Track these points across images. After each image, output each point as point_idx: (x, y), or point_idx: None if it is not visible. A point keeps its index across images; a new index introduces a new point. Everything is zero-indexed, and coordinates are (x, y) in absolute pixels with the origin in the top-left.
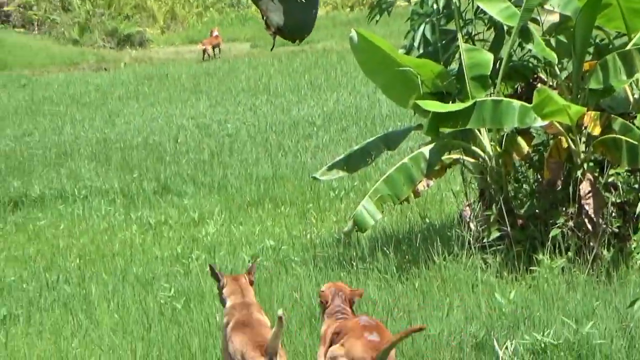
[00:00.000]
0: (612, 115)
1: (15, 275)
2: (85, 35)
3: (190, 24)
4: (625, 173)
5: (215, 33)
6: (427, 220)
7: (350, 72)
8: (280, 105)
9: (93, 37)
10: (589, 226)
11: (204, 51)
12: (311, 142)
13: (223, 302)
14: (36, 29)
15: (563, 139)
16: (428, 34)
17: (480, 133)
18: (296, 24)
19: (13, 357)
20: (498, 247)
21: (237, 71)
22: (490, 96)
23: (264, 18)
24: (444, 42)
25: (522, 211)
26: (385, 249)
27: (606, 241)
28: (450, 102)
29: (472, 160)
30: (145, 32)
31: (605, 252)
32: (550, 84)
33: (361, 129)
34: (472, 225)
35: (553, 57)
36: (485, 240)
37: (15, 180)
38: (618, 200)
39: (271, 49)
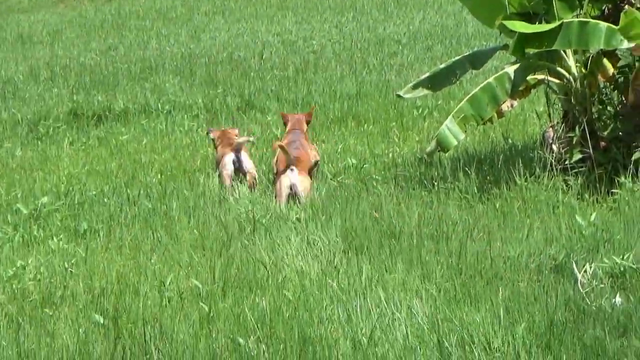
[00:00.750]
0: None
1: (96, 189)
2: None
3: None
4: None
5: None
6: (510, 141)
7: None
8: (366, 23)
9: None
10: None
11: None
12: (396, 60)
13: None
14: None
15: None
16: None
17: (565, 54)
18: None
19: (92, 271)
20: (580, 169)
21: None
22: (577, 17)
23: None
24: None
25: (605, 133)
26: (466, 169)
27: None
28: (537, 22)
29: (556, 81)
30: None
31: None
32: (638, 5)
33: (446, 47)
34: (554, 147)
35: None
36: (567, 162)
37: (100, 94)
38: None
39: None
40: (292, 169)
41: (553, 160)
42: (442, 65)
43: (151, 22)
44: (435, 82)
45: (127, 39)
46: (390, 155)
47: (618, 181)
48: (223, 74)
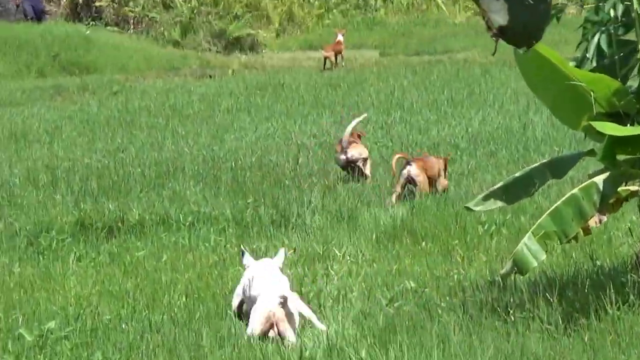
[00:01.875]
0: None
1: (111, 313)
2: (188, 37)
3: (309, 27)
4: None
5: (340, 37)
6: (597, 263)
7: (497, 88)
8: (416, 124)
9: (197, 38)
10: None
11: (326, 59)
12: (454, 167)
13: None
14: (132, 27)
15: None
16: (603, 45)
17: None
18: (523, 26)
19: None
20: None
21: (365, 83)
22: None
23: (485, 18)
24: (622, 54)
25: None
26: (547, 295)
27: None
28: (629, 124)
29: None
30: (258, 35)
31: None
32: None
33: (512, 153)
34: None
35: None
36: None
37: (111, 202)
38: None
39: (492, 54)
40: (410, 164)
41: None
42: (518, 174)
43: (165, 119)
44: (511, 193)
45: (137, 139)
46: (455, 277)
47: None
48: (253, 181)
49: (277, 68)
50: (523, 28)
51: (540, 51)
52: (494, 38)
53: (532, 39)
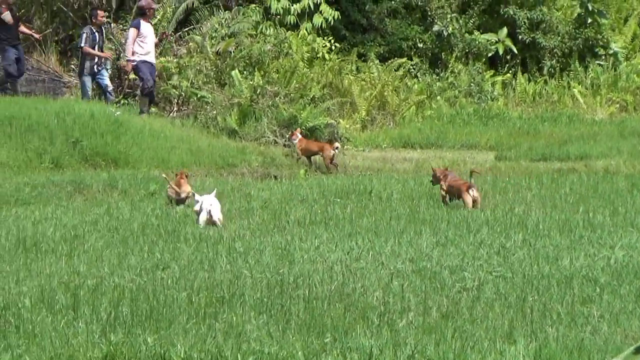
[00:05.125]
0: None
1: None
2: (247, 125)
3: (405, 118)
4: None
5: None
6: None
7: None
8: (542, 251)
9: (260, 127)
10: None
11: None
12: (592, 308)
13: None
14: (175, 109)
15: None
16: None
17: None
18: None
19: None
20: None
21: None
22: None
23: None
24: None
25: None
26: None
27: None
28: None
29: None
30: (339, 126)
31: None
32: None
33: None
34: None
35: None
36: None
37: (148, 335)
38: None
39: None
40: None
41: None
42: None
43: (217, 230)
44: None
45: (183, 254)
46: None
47: None
48: (331, 314)
49: (362, 170)
50: None
51: None
52: None
53: None
